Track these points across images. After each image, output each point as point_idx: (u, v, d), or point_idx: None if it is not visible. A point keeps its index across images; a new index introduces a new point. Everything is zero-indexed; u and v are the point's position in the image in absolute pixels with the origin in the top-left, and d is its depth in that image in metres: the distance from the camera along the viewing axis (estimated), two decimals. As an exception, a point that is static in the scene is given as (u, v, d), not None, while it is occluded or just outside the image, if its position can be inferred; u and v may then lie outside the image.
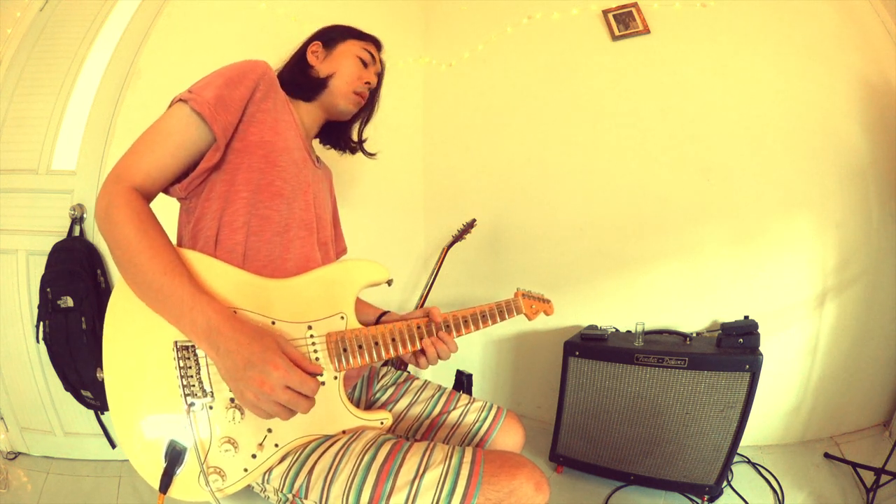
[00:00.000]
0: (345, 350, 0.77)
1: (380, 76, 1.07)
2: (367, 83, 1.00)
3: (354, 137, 1.13)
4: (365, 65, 1.00)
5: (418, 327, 0.84)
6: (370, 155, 1.17)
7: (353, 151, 1.15)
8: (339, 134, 1.11)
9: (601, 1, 2.00)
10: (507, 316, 0.93)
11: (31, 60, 1.63)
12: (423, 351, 0.85)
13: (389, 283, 0.85)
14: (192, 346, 0.70)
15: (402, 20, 2.38)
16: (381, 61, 1.06)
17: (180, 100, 0.75)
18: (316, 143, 1.12)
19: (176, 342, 0.69)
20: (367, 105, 1.08)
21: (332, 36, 1.01)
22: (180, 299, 0.65)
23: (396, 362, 0.95)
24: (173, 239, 0.81)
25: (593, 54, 2.05)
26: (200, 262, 0.73)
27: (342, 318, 0.79)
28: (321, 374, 0.73)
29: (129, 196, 0.70)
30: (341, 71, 0.97)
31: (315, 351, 0.76)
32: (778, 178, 1.77)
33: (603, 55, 2.03)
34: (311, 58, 0.99)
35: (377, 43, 1.05)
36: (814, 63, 1.72)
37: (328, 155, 1.13)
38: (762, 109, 1.78)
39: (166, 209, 0.80)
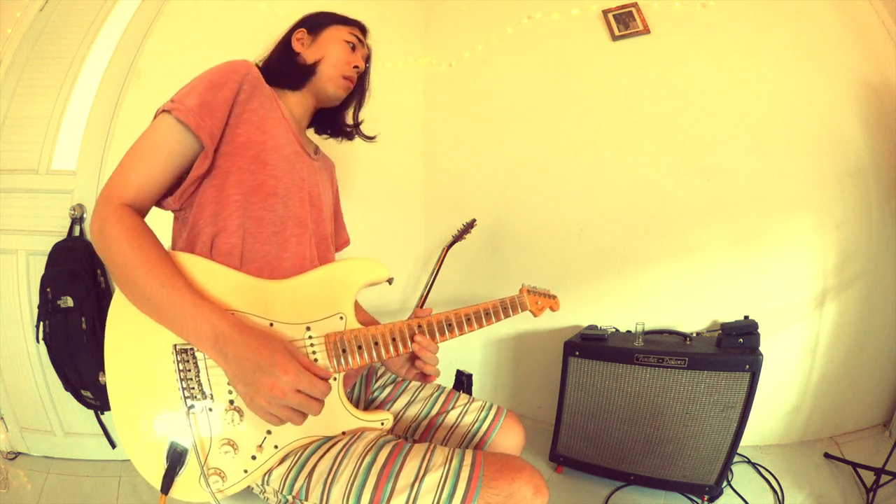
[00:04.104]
0: (344, 351, 0.77)
1: (367, 59, 1.05)
2: (356, 67, 0.99)
3: (349, 121, 1.11)
4: (353, 48, 0.99)
5: (419, 326, 0.83)
6: (368, 138, 1.13)
7: (349, 137, 1.12)
8: (333, 121, 1.09)
9: (601, 1, 2.00)
10: (511, 313, 0.91)
11: (31, 60, 1.63)
12: (416, 357, 0.84)
13: (390, 281, 0.84)
14: (192, 349, 0.70)
15: (402, 20, 2.38)
16: (367, 45, 1.05)
17: (164, 110, 0.74)
18: (312, 134, 1.11)
19: (175, 345, 0.70)
20: (358, 89, 1.06)
21: (316, 22, 0.99)
22: (182, 309, 0.65)
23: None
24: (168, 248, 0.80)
25: (593, 54, 2.05)
26: (197, 266, 0.73)
27: (341, 318, 0.79)
28: (330, 378, 0.71)
29: (121, 213, 0.69)
30: (329, 56, 0.95)
31: (314, 352, 0.75)
32: (778, 178, 1.77)
33: (603, 55, 2.03)
34: (296, 45, 0.97)
35: (362, 27, 1.04)
36: (814, 63, 1.72)
37: (328, 147, 1.12)
38: (762, 109, 1.78)
39: (159, 220, 0.80)
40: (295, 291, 0.77)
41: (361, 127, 1.12)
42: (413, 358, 0.86)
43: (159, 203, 0.79)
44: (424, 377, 0.88)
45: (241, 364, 0.64)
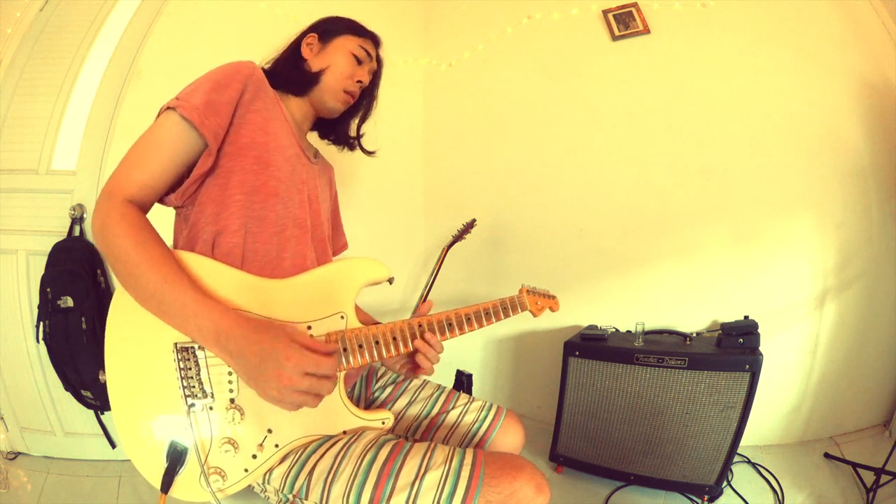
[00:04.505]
0: (345, 350, 0.77)
1: (376, 73, 1.04)
2: (359, 82, 0.97)
3: (352, 133, 1.10)
4: (359, 62, 0.97)
5: (419, 325, 0.83)
6: (369, 153, 1.13)
7: (351, 148, 1.12)
8: (337, 129, 1.09)
9: (601, 1, 2.00)
10: (511, 313, 0.91)
11: (31, 60, 1.63)
12: (416, 352, 0.84)
13: (390, 281, 0.84)
14: (192, 348, 0.70)
15: (402, 20, 2.38)
16: (378, 58, 1.03)
17: (168, 107, 0.74)
18: (316, 139, 1.11)
19: (176, 343, 0.70)
20: (364, 102, 1.05)
21: (328, 29, 0.98)
22: (184, 306, 0.65)
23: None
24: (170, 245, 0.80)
25: (593, 54, 2.05)
26: (200, 265, 0.73)
27: (342, 317, 0.79)
28: (334, 352, 0.70)
29: (123, 209, 0.69)
30: (334, 67, 0.94)
31: (315, 351, 0.75)
32: (778, 178, 1.77)
33: (603, 55, 2.03)
34: (305, 50, 0.96)
35: (375, 39, 1.02)
36: (814, 63, 1.72)
37: (330, 151, 1.12)
38: (762, 109, 1.78)
39: (160, 218, 0.79)
40: (296, 290, 0.78)
41: (362, 140, 1.11)
42: (412, 353, 0.85)
43: (161, 200, 0.79)
44: (417, 369, 0.87)
45: (245, 358, 0.63)
